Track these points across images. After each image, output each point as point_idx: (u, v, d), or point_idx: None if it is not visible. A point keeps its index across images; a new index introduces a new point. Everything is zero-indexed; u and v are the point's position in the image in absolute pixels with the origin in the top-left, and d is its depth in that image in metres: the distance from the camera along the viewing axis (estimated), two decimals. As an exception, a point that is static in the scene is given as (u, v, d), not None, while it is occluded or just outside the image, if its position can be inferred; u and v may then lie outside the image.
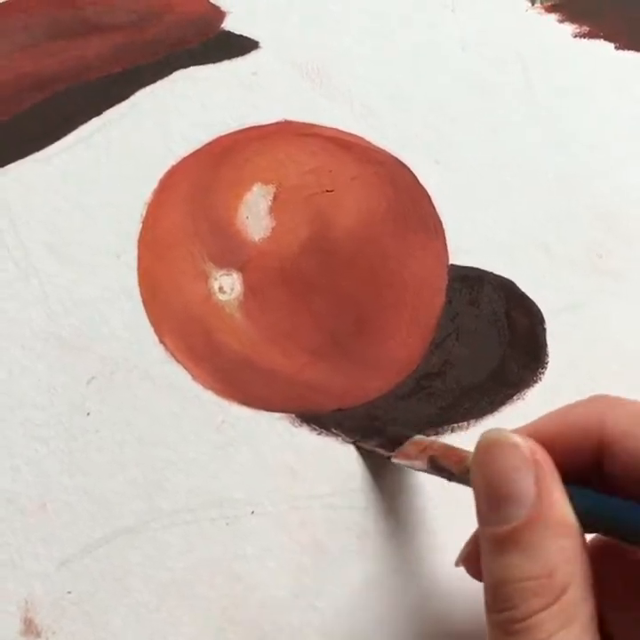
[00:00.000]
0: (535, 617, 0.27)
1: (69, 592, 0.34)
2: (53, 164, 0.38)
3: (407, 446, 0.35)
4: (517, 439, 0.30)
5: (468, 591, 0.37)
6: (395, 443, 0.36)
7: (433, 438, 0.36)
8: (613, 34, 0.44)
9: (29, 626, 0.34)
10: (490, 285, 0.40)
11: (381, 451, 0.37)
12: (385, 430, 0.38)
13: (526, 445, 0.29)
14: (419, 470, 0.35)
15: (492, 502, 0.29)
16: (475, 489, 0.31)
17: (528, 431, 0.31)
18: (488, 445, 0.30)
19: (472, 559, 0.34)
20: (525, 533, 0.28)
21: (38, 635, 0.34)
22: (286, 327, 0.38)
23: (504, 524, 0.29)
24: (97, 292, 0.37)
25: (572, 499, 0.29)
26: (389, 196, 0.40)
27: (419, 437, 0.36)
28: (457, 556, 0.35)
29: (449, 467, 0.33)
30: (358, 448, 0.38)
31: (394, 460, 0.36)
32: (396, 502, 0.37)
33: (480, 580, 0.31)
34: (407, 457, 0.35)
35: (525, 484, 0.29)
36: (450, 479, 0.33)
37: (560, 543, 0.28)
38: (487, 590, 0.29)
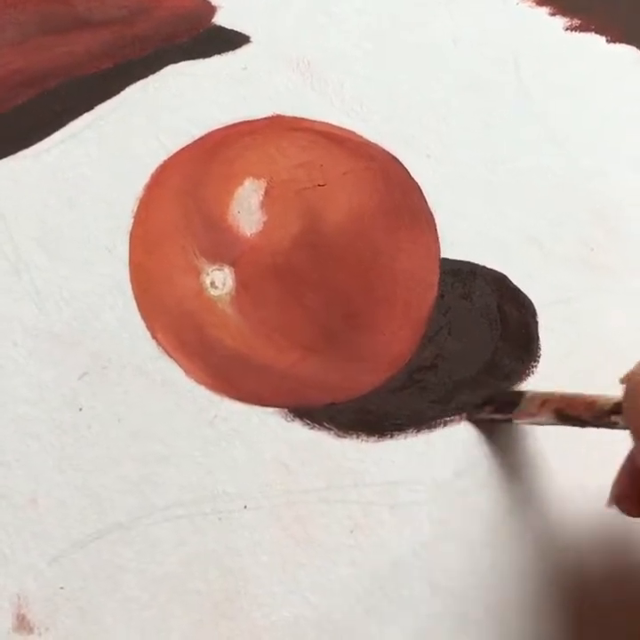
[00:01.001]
0: None
1: (62, 587, 0.34)
2: (44, 160, 0.38)
3: (525, 404, 0.36)
4: None
5: (461, 586, 0.37)
6: (509, 405, 0.37)
7: (547, 390, 0.36)
8: (605, 27, 0.44)
9: (22, 622, 0.34)
10: (482, 279, 0.40)
11: (499, 416, 0.37)
12: (494, 397, 0.38)
13: None
14: (544, 424, 0.35)
15: None
16: (632, 422, 0.30)
17: None
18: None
19: (627, 497, 0.34)
20: None
21: (31, 630, 0.34)
22: (278, 322, 0.38)
23: None
24: (88, 287, 0.37)
25: None
26: (381, 190, 0.40)
27: (531, 393, 0.37)
28: (607, 500, 0.34)
29: (579, 414, 0.33)
30: (474, 421, 0.38)
31: (516, 422, 0.37)
32: (390, 496, 0.37)
33: (637, 516, 0.33)
34: (530, 415, 0.36)
35: None
36: (583, 426, 0.33)
37: None
38: None
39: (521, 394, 0.37)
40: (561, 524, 0.38)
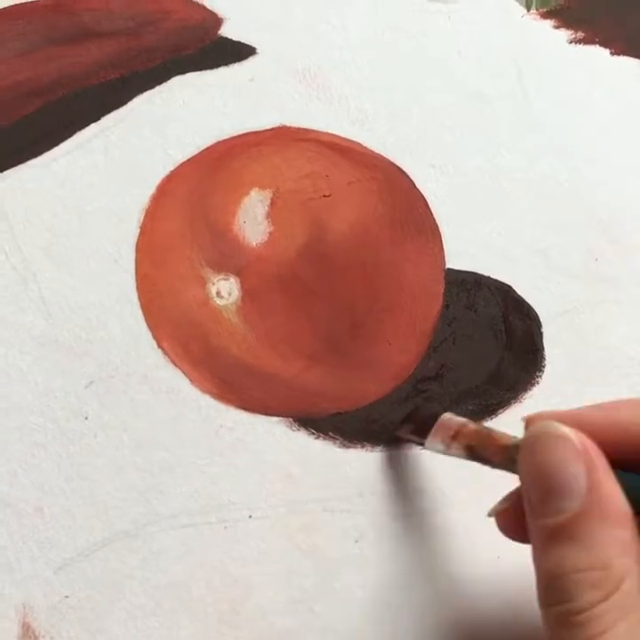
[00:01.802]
0: (593, 609, 0.27)
1: (67, 596, 0.34)
2: (51, 170, 0.38)
3: (437, 431, 0.35)
4: (566, 430, 0.30)
5: (467, 595, 0.37)
6: (425, 426, 0.36)
7: (461, 419, 0.35)
8: (609, 40, 0.44)
9: (27, 630, 0.34)
10: (487, 289, 0.40)
11: (415, 439, 0.36)
12: (413, 415, 0.38)
13: (577, 437, 0.29)
14: (455, 457, 0.34)
15: (544, 494, 0.29)
16: (524, 481, 0.31)
17: (572, 420, 0.31)
18: (537, 437, 0.30)
19: (507, 517, 0.34)
20: (579, 525, 0.28)
21: (36, 639, 0.34)
22: (284, 331, 0.38)
23: (556, 515, 0.29)
24: (95, 297, 0.37)
25: (623, 485, 0.29)
26: (386, 200, 0.40)
27: (446, 417, 0.35)
28: (491, 509, 0.34)
29: (490, 457, 0.33)
30: (397, 438, 0.38)
31: (428, 448, 0.35)
32: (396, 506, 0.37)
33: (511, 538, 0.33)
34: (441, 444, 0.35)
35: (577, 476, 0.29)
36: (492, 467, 0.33)
37: (615, 534, 0.28)
38: (540, 583, 0.29)
39: (436, 416, 0.36)
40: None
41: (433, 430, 0.35)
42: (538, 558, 0.30)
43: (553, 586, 0.28)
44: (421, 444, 0.36)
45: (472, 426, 0.34)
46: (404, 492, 0.37)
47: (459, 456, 0.34)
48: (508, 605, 0.37)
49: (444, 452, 0.35)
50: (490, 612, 0.37)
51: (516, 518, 0.33)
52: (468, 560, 0.37)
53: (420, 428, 0.36)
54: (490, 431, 0.34)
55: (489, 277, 0.40)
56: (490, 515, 0.34)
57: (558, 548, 0.28)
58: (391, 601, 0.36)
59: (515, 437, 0.33)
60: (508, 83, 0.43)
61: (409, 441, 0.38)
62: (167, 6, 0.40)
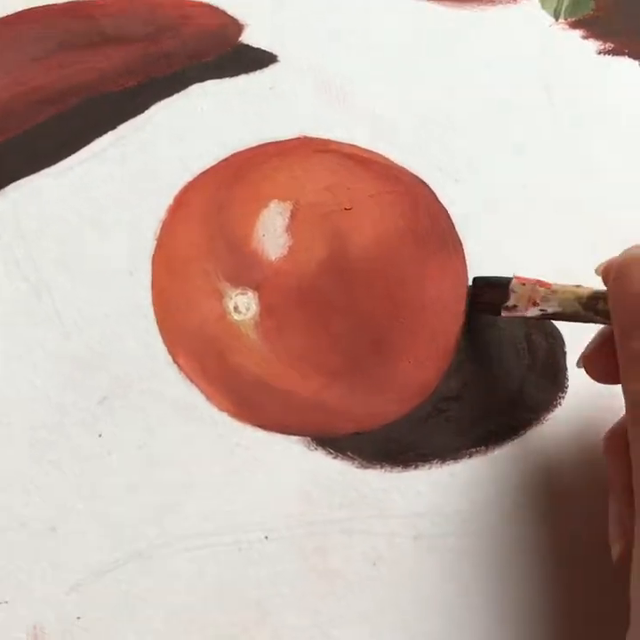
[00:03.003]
0: None
1: (79, 617, 0.34)
2: (67, 179, 0.37)
3: (513, 299, 0.36)
4: None
5: (485, 620, 0.36)
6: (496, 293, 0.37)
7: (532, 280, 0.36)
8: (638, 51, 0.43)
9: (38, 652, 0.33)
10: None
11: (490, 309, 0.38)
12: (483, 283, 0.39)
13: None
14: (533, 318, 0.37)
15: (636, 317, 0.30)
16: (614, 307, 0.31)
17: None
18: (634, 259, 0.31)
19: (597, 358, 0.35)
20: None
21: (47, 662, 0.33)
22: (303, 348, 0.37)
23: None
24: (110, 309, 0.36)
25: None
26: (408, 214, 0.39)
27: (518, 283, 0.36)
28: (578, 359, 0.36)
29: (572, 312, 0.35)
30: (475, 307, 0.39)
31: (504, 316, 0.37)
32: (414, 528, 0.37)
33: (601, 381, 0.34)
34: (518, 310, 0.36)
35: None
36: (573, 321, 0.36)
37: None
38: (633, 408, 0.30)
39: (506, 282, 0.37)
40: (588, 554, 0.38)
41: (510, 299, 0.36)
42: (630, 382, 0.30)
43: None
44: (497, 313, 0.37)
45: (548, 286, 0.36)
46: (423, 514, 0.37)
47: (536, 318, 0.36)
48: (528, 627, 0.37)
49: (522, 317, 0.36)
50: (509, 636, 0.37)
51: (605, 358, 0.33)
52: (486, 584, 0.37)
53: (490, 296, 0.38)
54: (564, 287, 0.35)
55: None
56: (578, 365, 0.36)
57: None
58: (409, 625, 0.36)
59: (591, 288, 0.35)
60: (536, 94, 0.42)
61: (485, 310, 0.38)
62: (187, 12, 0.39)
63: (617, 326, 0.31)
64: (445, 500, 0.37)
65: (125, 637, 0.34)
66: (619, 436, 0.34)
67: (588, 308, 0.35)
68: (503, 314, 0.37)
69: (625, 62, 0.43)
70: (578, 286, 0.35)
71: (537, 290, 0.36)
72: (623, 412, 0.33)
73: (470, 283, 0.39)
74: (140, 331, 0.36)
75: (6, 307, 0.36)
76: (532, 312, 0.36)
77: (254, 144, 0.39)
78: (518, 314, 0.37)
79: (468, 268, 0.39)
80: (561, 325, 0.39)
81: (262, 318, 0.37)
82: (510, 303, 0.36)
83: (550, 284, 0.36)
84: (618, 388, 0.35)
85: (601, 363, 0.34)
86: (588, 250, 0.40)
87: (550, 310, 0.36)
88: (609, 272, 0.33)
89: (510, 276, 0.37)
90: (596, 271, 0.34)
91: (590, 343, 0.36)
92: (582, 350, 0.37)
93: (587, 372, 0.36)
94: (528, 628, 0.37)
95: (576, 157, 0.42)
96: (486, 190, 0.40)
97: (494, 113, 0.41)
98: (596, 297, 0.35)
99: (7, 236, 0.36)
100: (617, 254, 0.33)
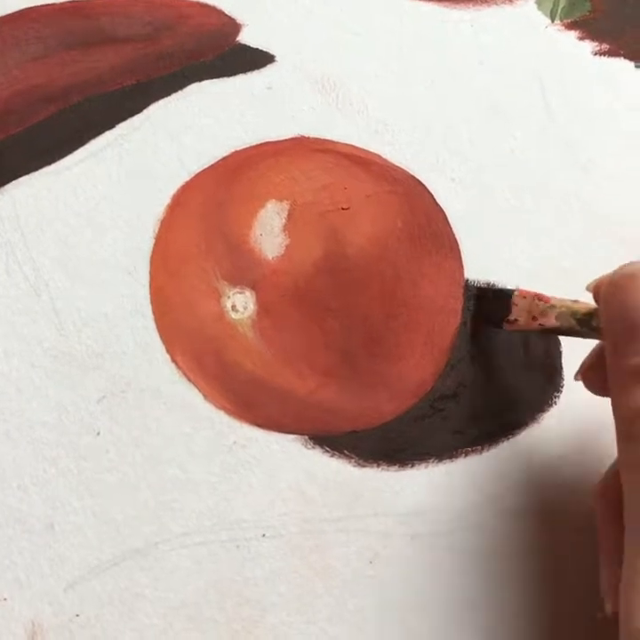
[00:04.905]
0: None
1: (77, 615, 0.34)
2: (65, 178, 0.37)
3: (514, 313, 0.37)
4: None
5: (482, 618, 0.36)
6: (497, 305, 0.38)
7: (531, 294, 0.37)
8: (634, 52, 0.43)
9: (36, 649, 0.33)
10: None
11: (491, 323, 0.38)
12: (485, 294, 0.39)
13: None
14: (533, 332, 0.37)
15: (628, 333, 0.30)
16: (607, 323, 0.31)
17: None
18: (622, 278, 0.31)
19: (594, 372, 0.35)
20: None
21: (45, 658, 0.33)
22: (299, 347, 0.37)
23: None
24: (108, 308, 0.36)
25: None
26: (405, 214, 0.39)
27: (519, 296, 0.37)
28: (575, 372, 0.36)
29: (570, 327, 0.36)
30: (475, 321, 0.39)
31: (506, 329, 0.38)
32: (410, 526, 0.37)
33: (599, 394, 0.34)
34: (518, 324, 0.37)
35: None
36: (571, 336, 0.36)
37: None
38: (623, 420, 0.30)
39: (508, 294, 0.38)
40: (584, 552, 0.38)
41: (511, 314, 0.37)
42: (619, 398, 0.30)
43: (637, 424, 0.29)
44: (499, 327, 0.38)
45: (546, 300, 0.36)
46: (419, 513, 0.37)
47: (537, 331, 0.37)
48: (525, 625, 0.37)
49: (522, 331, 0.37)
50: (506, 634, 0.37)
51: (602, 372, 0.33)
52: (483, 582, 0.37)
53: (493, 309, 0.38)
54: (562, 301, 0.36)
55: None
56: (576, 378, 0.36)
57: None
58: (405, 622, 0.36)
59: (587, 304, 0.35)
60: (531, 95, 0.42)
61: (486, 323, 0.39)
62: (185, 11, 0.40)
63: (607, 343, 0.32)
64: (441, 498, 0.37)
65: (123, 634, 0.34)
66: (609, 487, 0.34)
67: (582, 323, 0.35)
68: (505, 327, 0.37)
69: (620, 63, 0.44)
70: (575, 301, 0.36)
71: (536, 304, 0.36)
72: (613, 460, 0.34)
73: (463, 283, 0.39)
74: (138, 329, 0.37)
75: (5, 305, 0.36)
76: (532, 326, 0.37)
77: (252, 143, 0.39)
78: (519, 327, 0.37)
79: (465, 267, 0.40)
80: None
81: (259, 317, 0.37)
82: (511, 317, 0.37)
83: (549, 298, 0.36)
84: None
85: (598, 377, 0.35)
86: (584, 249, 0.40)
87: (548, 325, 0.36)
88: (599, 289, 0.33)
89: (513, 287, 0.37)
90: (587, 288, 0.34)
91: (587, 358, 0.36)
92: (577, 350, 0.37)
93: (585, 386, 0.36)
94: (524, 627, 0.37)
95: (572, 158, 0.42)
96: (483, 190, 0.41)
97: (490, 113, 0.41)
98: (590, 313, 0.35)
99: (6, 235, 0.36)
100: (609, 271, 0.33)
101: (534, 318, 0.36)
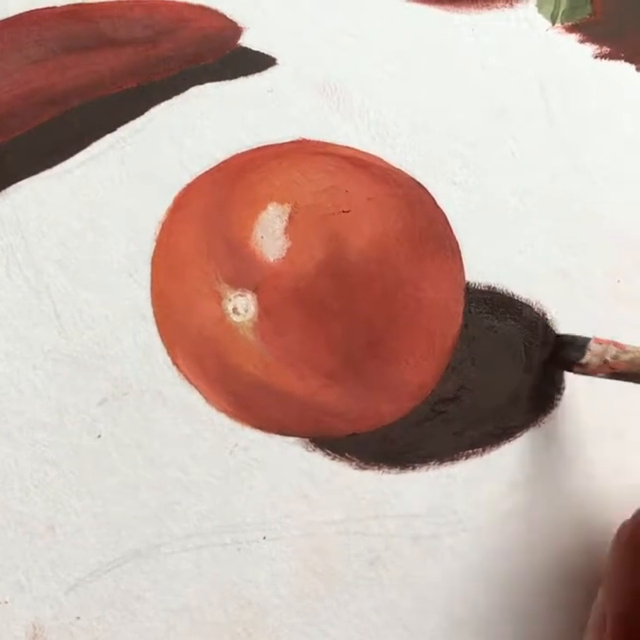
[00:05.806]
0: None
1: (78, 617, 0.34)
2: (66, 181, 0.37)
3: (588, 360, 0.37)
4: None
5: (483, 620, 0.36)
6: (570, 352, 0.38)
7: (605, 344, 0.37)
8: (635, 55, 0.43)
9: (37, 651, 0.33)
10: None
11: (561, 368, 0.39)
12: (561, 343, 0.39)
13: None
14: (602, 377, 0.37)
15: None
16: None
17: None
18: None
19: None
20: None
21: (46, 661, 0.33)
22: (301, 349, 0.37)
23: None
24: (109, 311, 0.36)
25: None
26: (406, 217, 0.39)
27: (594, 345, 0.37)
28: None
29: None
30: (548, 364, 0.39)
31: (576, 373, 0.38)
32: (411, 529, 0.37)
33: None
34: (590, 369, 0.37)
35: None
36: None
37: None
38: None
39: (583, 344, 0.38)
40: (585, 554, 0.38)
41: (584, 357, 0.37)
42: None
43: None
44: (569, 370, 0.38)
45: (622, 347, 0.37)
46: (420, 515, 0.37)
47: (605, 375, 0.37)
48: (525, 626, 0.37)
49: (592, 375, 0.37)
50: (506, 635, 0.37)
51: None
52: (484, 585, 0.37)
53: (568, 354, 0.38)
54: (636, 348, 0.36)
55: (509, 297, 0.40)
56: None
57: None
58: (407, 625, 0.36)
59: None
60: (532, 98, 0.42)
61: (554, 365, 0.39)
62: (186, 14, 0.40)
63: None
64: (443, 501, 0.37)
65: (124, 637, 0.34)
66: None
67: None
68: (574, 370, 0.38)
69: (621, 66, 0.44)
70: None
71: (610, 349, 0.37)
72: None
73: (464, 286, 0.39)
74: (139, 332, 0.37)
75: (6, 307, 0.36)
76: (602, 370, 0.37)
77: (253, 146, 0.39)
78: (589, 371, 0.37)
79: (466, 270, 0.40)
80: (558, 326, 0.40)
81: (261, 320, 0.37)
82: (584, 360, 0.37)
83: (624, 346, 0.37)
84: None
85: None
86: (585, 253, 0.40)
87: (618, 369, 0.36)
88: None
89: (590, 336, 0.38)
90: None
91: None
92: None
93: None
94: (526, 629, 0.37)
95: (573, 161, 0.42)
96: (484, 193, 0.41)
97: (491, 116, 0.41)
98: None
99: (7, 238, 0.36)
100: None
101: (606, 362, 0.37)
